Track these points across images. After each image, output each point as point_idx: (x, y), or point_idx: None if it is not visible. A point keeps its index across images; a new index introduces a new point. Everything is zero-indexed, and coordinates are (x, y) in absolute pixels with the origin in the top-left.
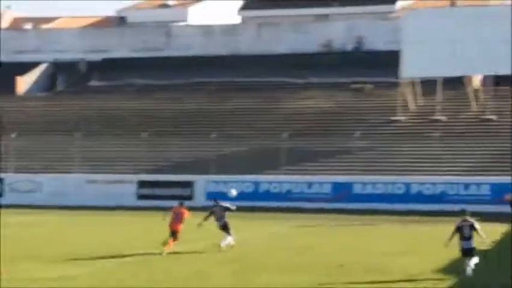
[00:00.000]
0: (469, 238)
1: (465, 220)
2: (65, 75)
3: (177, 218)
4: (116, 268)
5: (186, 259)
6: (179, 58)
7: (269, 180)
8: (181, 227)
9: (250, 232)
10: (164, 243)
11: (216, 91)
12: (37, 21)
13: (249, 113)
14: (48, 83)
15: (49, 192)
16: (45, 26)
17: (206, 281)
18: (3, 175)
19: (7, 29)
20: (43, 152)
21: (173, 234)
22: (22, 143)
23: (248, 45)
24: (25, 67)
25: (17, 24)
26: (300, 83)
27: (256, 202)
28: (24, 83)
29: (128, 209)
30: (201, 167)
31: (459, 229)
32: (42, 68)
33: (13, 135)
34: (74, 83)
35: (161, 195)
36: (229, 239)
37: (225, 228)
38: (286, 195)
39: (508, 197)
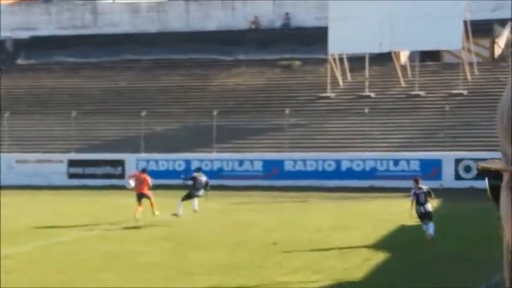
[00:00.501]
0: (425, 203)
1: (419, 188)
2: None
3: (142, 183)
4: (52, 247)
5: (118, 237)
6: (107, 36)
7: (200, 158)
8: (150, 193)
9: (182, 210)
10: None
11: (145, 69)
12: None
13: (179, 91)
14: None
15: None
16: None
17: (137, 259)
18: None
19: None
20: None
21: (141, 197)
22: None
23: (176, 22)
24: None
25: None
26: (229, 60)
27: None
28: None
29: (59, 188)
30: (131, 145)
31: (416, 196)
32: None
33: None
34: (1, 61)
35: (92, 174)
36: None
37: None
38: (218, 173)
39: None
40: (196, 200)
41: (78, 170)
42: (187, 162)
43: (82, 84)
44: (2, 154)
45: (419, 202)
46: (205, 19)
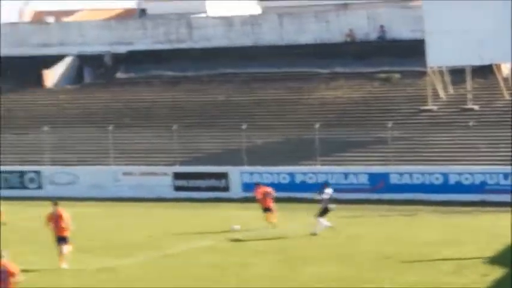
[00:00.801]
0: None
1: None
2: (91, 68)
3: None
4: (161, 260)
5: (227, 250)
6: (203, 49)
7: (304, 171)
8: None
9: (290, 223)
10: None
11: (243, 82)
12: (58, 14)
13: (276, 104)
14: (75, 75)
15: (87, 184)
16: (66, 19)
17: (246, 272)
18: (40, 168)
19: (29, 22)
20: (78, 145)
21: (266, 211)
22: (56, 136)
23: (270, 35)
24: (50, 60)
25: (38, 18)
26: (326, 73)
27: (292, 193)
28: (51, 76)
29: (165, 201)
30: (233, 158)
31: None
32: (68, 61)
33: (46, 128)
34: (101, 76)
35: (197, 186)
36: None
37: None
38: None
39: None
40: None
41: (183, 183)
42: (291, 175)
43: (181, 98)
44: (108, 167)
45: None
46: (299, 32)
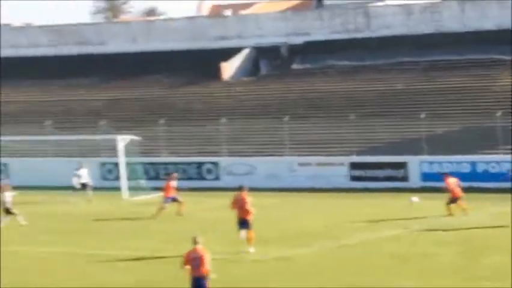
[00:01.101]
0: None
1: None
2: (267, 60)
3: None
4: (337, 250)
5: (406, 240)
6: (381, 38)
7: (487, 160)
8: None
9: (473, 213)
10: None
11: (422, 71)
12: (235, 7)
13: (458, 92)
14: (251, 67)
15: (263, 175)
16: (243, 12)
17: (428, 262)
18: (218, 159)
19: (207, 16)
20: (254, 136)
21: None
22: (233, 127)
23: (451, 22)
24: (228, 53)
25: (216, 12)
26: (509, 59)
27: (473, 183)
28: (228, 68)
29: (341, 191)
30: (412, 147)
31: None
32: (244, 53)
33: (223, 120)
34: (277, 67)
35: (374, 176)
36: None
37: None
38: (507, 176)
39: None
40: None
41: (360, 173)
42: (473, 164)
43: (358, 88)
44: (284, 158)
45: None
46: (481, 18)
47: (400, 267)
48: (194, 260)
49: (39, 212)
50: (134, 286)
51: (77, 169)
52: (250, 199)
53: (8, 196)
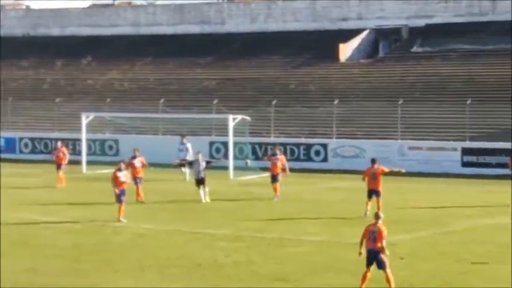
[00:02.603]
0: None
1: None
2: (387, 42)
3: None
4: (439, 236)
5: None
6: (504, 22)
7: None
8: None
9: None
10: None
11: None
12: None
13: None
14: (370, 49)
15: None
16: None
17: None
18: (327, 141)
19: None
20: (366, 118)
21: None
22: (345, 109)
23: None
24: (347, 34)
25: None
26: None
27: None
28: (346, 50)
29: (452, 177)
30: None
31: None
32: (363, 35)
33: (335, 102)
34: (396, 50)
35: (487, 163)
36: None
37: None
38: None
39: None
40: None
41: (472, 159)
42: None
43: (477, 72)
44: (395, 141)
45: None
46: None
47: (507, 256)
48: (372, 233)
49: (146, 189)
50: (232, 266)
51: (182, 143)
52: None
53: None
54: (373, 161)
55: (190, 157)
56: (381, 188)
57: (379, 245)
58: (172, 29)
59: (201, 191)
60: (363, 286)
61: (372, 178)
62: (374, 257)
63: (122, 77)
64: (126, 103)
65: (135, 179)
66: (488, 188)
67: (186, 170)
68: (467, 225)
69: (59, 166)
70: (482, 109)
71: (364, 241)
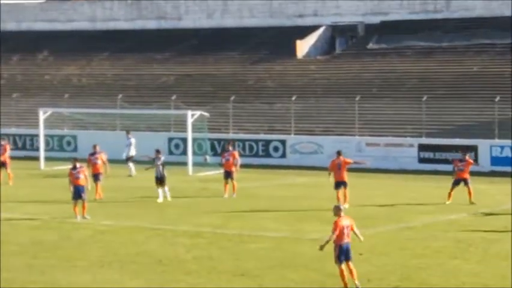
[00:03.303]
0: None
1: None
2: (343, 38)
3: None
4: (397, 233)
5: (472, 225)
6: (460, 20)
7: None
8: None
9: None
10: None
11: (499, 53)
12: None
13: None
14: (326, 46)
15: (330, 154)
16: None
17: (491, 248)
18: (285, 137)
19: None
20: (323, 115)
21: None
22: (302, 106)
23: None
24: (304, 31)
25: None
26: None
27: None
28: (303, 46)
29: (409, 173)
30: (484, 131)
31: None
32: (320, 31)
33: (293, 98)
34: (353, 46)
35: (444, 159)
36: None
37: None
38: None
39: None
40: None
41: (429, 155)
42: None
43: (433, 69)
44: (352, 137)
45: None
46: None
47: (463, 251)
48: (346, 228)
49: (104, 185)
50: (192, 262)
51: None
52: (349, 161)
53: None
54: (338, 153)
55: (133, 152)
56: (347, 179)
57: (350, 239)
58: (130, 24)
59: (160, 190)
60: (346, 281)
61: (338, 170)
62: (346, 251)
63: (80, 72)
64: (84, 99)
65: (94, 176)
66: (444, 184)
67: (131, 165)
68: (424, 221)
69: (3, 164)
70: (437, 106)
71: (336, 236)
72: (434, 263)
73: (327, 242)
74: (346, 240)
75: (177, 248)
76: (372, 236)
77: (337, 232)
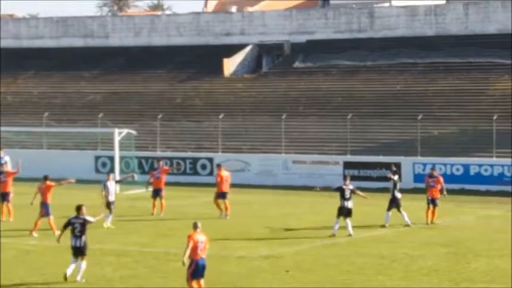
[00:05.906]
0: None
1: None
2: (270, 57)
3: None
4: (326, 249)
5: (394, 241)
6: (383, 39)
7: (479, 162)
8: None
9: (461, 216)
10: None
11: (421, 72)
12: (242, 4)
13: (457, 95)
14: (253, 64)
15: (257, 171)
16: (249, 9)
17: (414, 263)
18: (213, 154)
19: (214, 12)
20: (250, 133)
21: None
22: (230, 124)
23: (454, 25)
24: (231, 49)
25: (222, 8)
26: (509, 64)
27: (465, 185)
28: (230, 65)
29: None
30: (407, 148)
31: None
32: (247, 50)
33: (220, 116)
34: (279, 65)
35: (368, 176)
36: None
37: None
38: (499, 179)
39: None
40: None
41: (354, 172)
42: (465, 166)
43: (357, 87)
44: (279, 155)
45: None
46: (484, 22)
47: (387, 268)
48: (201, 243)
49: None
50: (119, 281)
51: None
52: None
53: None
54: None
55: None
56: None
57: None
58: (56, 42)
59: (109, 215)
60: None
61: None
62: (202, 268)
63: (5, 90)
64: (10, 117)
65: (1, 195)
66: (368, 201)
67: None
68: (348, 238)
69: None
70: (362, 124)
71: (190, 251)
72: (358, 279)
73: (185, 255)
74: (202, 255)
75: (104, 267)
76: (297, 252)
77: (191, 244)
